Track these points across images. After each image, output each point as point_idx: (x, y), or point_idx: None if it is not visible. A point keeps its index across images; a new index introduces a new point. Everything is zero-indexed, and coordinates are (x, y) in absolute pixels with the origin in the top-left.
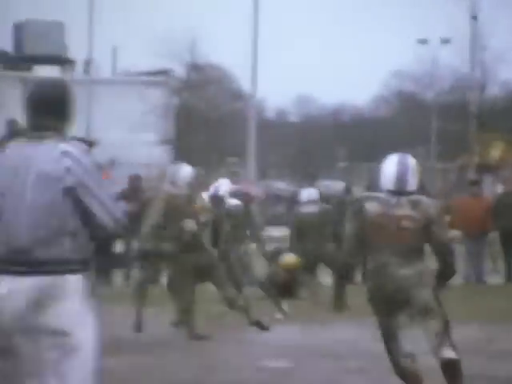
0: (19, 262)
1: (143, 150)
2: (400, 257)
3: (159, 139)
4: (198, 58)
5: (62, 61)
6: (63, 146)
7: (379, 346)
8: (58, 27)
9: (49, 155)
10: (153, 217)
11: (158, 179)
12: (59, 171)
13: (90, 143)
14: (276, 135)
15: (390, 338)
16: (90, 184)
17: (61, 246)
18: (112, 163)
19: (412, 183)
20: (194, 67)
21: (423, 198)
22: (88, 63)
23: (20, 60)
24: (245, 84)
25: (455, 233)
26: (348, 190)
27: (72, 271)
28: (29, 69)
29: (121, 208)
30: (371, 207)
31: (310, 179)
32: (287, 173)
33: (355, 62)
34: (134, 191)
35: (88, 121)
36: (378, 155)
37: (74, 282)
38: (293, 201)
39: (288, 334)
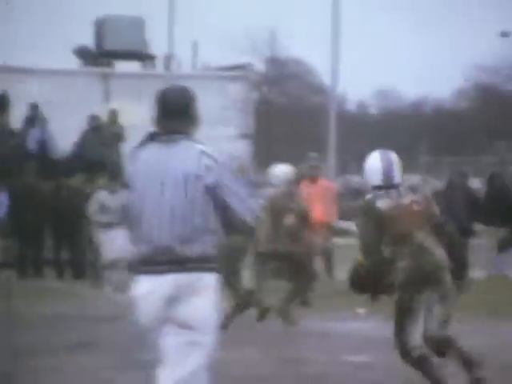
0: (161, 261)
1: (223, 144)
2: (430, 239)
3: (239, 134)
4: (277, 52)
5: (143, 56)
6: (200, 147)
7: (462, 340)
8: (139, 23)
9: (188, 155)
10: (265, 221)
11: (238, 173)
12: (200, 170)
13: None
14: (357, 128)
15: (409, 319)
16: (229, 181)
17: (202, 243)
18: None
19: (398, 176)
20: (274, 61)
21: (415, 184)
22: (168, 58)
23: (100, 56)
24: (326, 77)
25: None
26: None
27: (210, 269)
28: (109, 65)
29: (256, 204)
30: (383, 204)
31: None
32: None
33: (437, 54)
34: None
35: None
36: (460, 149)
37: (210, 280)
38: None
39: (370, 328)
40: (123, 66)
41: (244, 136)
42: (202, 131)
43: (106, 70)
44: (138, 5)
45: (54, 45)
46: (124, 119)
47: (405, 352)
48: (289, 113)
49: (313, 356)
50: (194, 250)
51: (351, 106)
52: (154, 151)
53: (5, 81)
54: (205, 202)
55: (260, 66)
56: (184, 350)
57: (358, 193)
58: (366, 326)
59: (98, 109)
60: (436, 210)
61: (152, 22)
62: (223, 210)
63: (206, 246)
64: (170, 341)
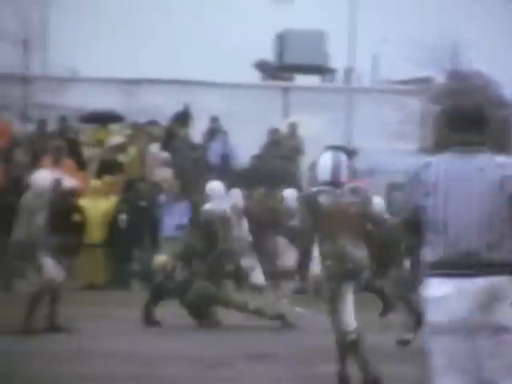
0: (469, 265)
1: (401, 158)
2: (353, 240)
3: (418, 148)
4: (459, 65)
5: (323, 70)
6: (498, 158)
7: None
8: (319, 36)
9: (490, 166)
10: None
11: None
12: (503, 180)
13: (350, 152)
14: None
15: (337, 310)
16: None
17: (504, 249)
18: (371, 171)
19: (344, 176)
20: (456, 75)
21: (359, 185)
22: (348, 72)
23: (281, 70)
24: (507, 90)
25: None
26: None
27: (510, 273)
28: (290, 78)
29: None
30: (324, 199)
31: None
32: None
33: None
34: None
35: (348, 130)
36: None
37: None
38: None
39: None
40: (303, 80)
41: (423, 150)
42: (381, 145)
43: (286, 83)
44: (319, 18)
45: (234, 59)
46: (303, 132)
47: (340, 336)
48: None
49: None
50: (499, 255)
51: None
52: (455, 162)
53: (187, 94)
54: (507, 211)
55: (441, 79)
56: (503, 357)
57: None
58: None
59: (278, 122)
60: (375, 214)
61: (333, 34)
62: None
63: (506, 251)
64: (493, 349)
